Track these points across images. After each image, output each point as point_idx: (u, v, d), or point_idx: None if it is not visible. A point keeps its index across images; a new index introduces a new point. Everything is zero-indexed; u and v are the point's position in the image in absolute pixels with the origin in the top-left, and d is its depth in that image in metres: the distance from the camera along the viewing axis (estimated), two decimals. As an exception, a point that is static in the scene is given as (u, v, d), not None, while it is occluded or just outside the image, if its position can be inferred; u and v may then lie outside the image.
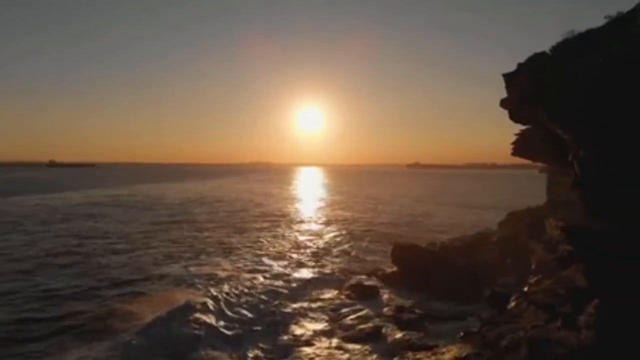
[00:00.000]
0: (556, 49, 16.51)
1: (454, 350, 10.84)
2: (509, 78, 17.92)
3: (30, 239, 39.20)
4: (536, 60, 17.06)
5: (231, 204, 77.59)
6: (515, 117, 15.62)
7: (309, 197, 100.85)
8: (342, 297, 23.17)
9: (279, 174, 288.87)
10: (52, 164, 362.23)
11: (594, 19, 15.63)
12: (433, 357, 10.65)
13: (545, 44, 16.56)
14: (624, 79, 8.91)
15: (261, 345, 16.52)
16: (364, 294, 23.45)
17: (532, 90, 14.24)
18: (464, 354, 10.34)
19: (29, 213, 59.07)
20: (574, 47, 14.62)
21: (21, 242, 37.93)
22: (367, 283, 25.15)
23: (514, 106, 15.33)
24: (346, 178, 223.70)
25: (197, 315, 18.81)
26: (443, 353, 10.75)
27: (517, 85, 16.38)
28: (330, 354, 15.51)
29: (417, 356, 10.99)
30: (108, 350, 15.44)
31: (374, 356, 14.53)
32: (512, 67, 17.87)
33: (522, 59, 17.21)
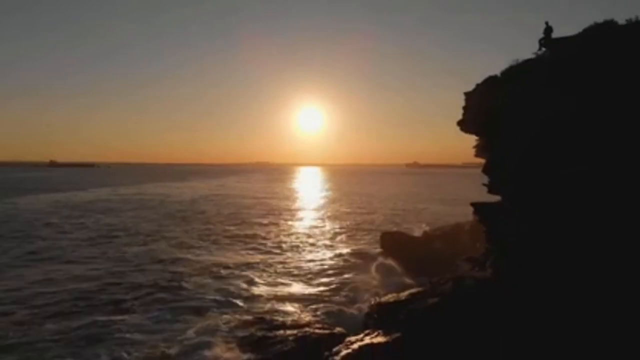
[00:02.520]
0: (503, 74, 21.27)
1: (411, 291, 15.72)
2: (466, 96, 22.75)
3: (66, 229, 44.22)
4: (487, 83, 21.83)
5: (238, 201, 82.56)
6: (462, 128, 20.43)
7: (310, 195, 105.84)
8: (337, 273, 28.15)
9: (279, 173, 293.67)
10: (52, 164, 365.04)
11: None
12: (395, 295, 15.55)
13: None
14: (514, 111, 13.83)
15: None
16: (355, 272, 28.38)
17: (475, 108, 19.12)
18: (415, 292, 15.22)
19: (50, 210, 63.68)
20: (513, 74, 19.48)
21: (56, 232, 42.89)
22: (358, 263, 30.14)
23: (463, 119, 20.13)
24: (345, 177, 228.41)
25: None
26: (404, 293, 15.62)
27: (469, 102, 21.20)
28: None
29: (387, 296, 15.85)
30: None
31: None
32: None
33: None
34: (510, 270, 12.57)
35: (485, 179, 15.66)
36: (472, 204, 14.83)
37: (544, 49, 14.48)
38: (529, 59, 19.05)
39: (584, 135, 12.28)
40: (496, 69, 17.07)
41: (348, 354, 11.97)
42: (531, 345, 10.46)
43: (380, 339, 12.23)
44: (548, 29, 14.25)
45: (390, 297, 15.41)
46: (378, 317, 14.26)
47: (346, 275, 26.93)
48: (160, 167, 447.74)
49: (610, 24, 15.75)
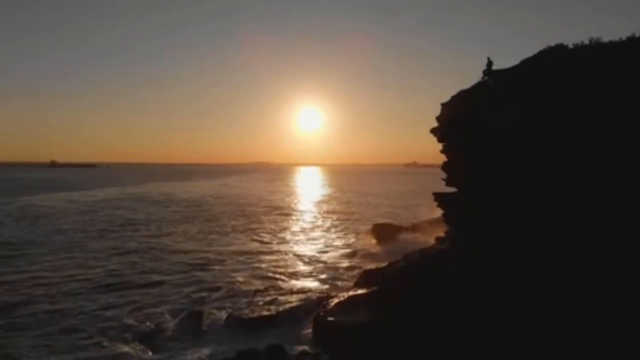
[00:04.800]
0: (472, 88, 25.61)
1: (390, 262, 20.21)
2: (442, 106, 27.14)
3: (87, 223, 48.77)
4: (459, 96, 26.22)
5: (243, 199, 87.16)
6: (435, 134, 24.90)
7: (311, 193, 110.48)
8: (335, 255, 32.84)
9: (279, 173, 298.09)
10: (53, 164, 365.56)
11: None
12: (377, 265, 20.06)
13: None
14: (480, 123, 18.33)
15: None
16: (350, 255, 33.05)
17: (447, 118, 23.60)
18: (392, 262, 19.74)
19: (65, 208, 67.36)
20: (479, 89, 23.77)
21: (78, 225, 47.40)
22: (352, 248, 34.83)
23: (437, 127, 24.57)
24: (345, 177, 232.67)
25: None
26: (384, 263, 20.10)
27: (443, 112, 25.62)
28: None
29: (370, 265, 20.34)
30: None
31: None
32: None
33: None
34: (464, 243, 17.10)
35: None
36: (434, 194, 19.31)
37: (486, 77, 18.96)
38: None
39: (545, 149, 15.11)
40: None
41: (339, 301, 16.51)
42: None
43: (362, 292, 16.80)
44: (490, 63, 18.77)
45: (372, 266, 19.97)
46: (363, 281, 18.81)
47: (342, 257, 31.67)
48: (160, 167, 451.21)
49: (560, 48, 20.08)
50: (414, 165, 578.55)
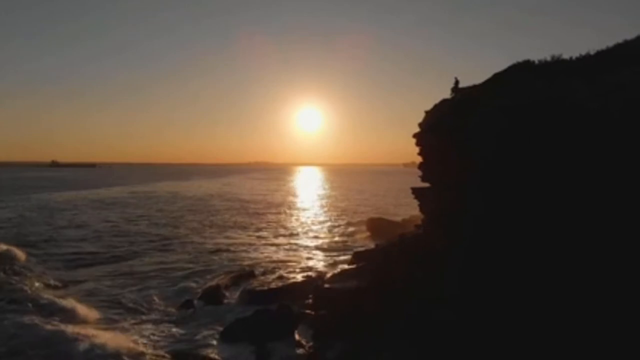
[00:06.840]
0: (452, 98, 29.47)
1: (376, 244, 24.28)
2: (426, 113, 31.06)
3: (104, 217, 52.79)
4: (440, 106, 30.06)
5: (247, 197, 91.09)
6: (415, 137, 28.88)
7: (311, 191, 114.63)
8: (332, 244, 36.94)
9: (279, 173, 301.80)
10: (54, 164, 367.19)
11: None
12: (366, 248, 24.11)
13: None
14: (438, 135, 22.31)
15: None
16: (345, 245, 37.11)
17: (427, 125, 27.61)
18: (378, 244, 23.76)
19: (78, 204, 70.74)
20: (457, 101, 27.62)
21: (97, 220, 51.38)
22: (347, 239, 38.91)
23: (418, 132, 28.56)
24: (344, 177, 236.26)
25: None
26: (371, 247, 24.17)
27: (425, 118, 29.57)
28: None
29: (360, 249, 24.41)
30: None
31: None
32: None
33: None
34: (434, 228, 21.15)
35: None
36: (412, 188, 23.27)
37: (454, 93, 22.98)
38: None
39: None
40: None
41: (334, 273, 20.58)
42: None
43: (352, 267, 20.88)
44: (457, 82, 22.81)
45: (362, 249, 24.07)
46: (354, 260, 22.86)
47: (338, 246, 35.86)
48: (161, 167, 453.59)
49: (527, 63, 23.92)
50: (412, 165, 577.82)
